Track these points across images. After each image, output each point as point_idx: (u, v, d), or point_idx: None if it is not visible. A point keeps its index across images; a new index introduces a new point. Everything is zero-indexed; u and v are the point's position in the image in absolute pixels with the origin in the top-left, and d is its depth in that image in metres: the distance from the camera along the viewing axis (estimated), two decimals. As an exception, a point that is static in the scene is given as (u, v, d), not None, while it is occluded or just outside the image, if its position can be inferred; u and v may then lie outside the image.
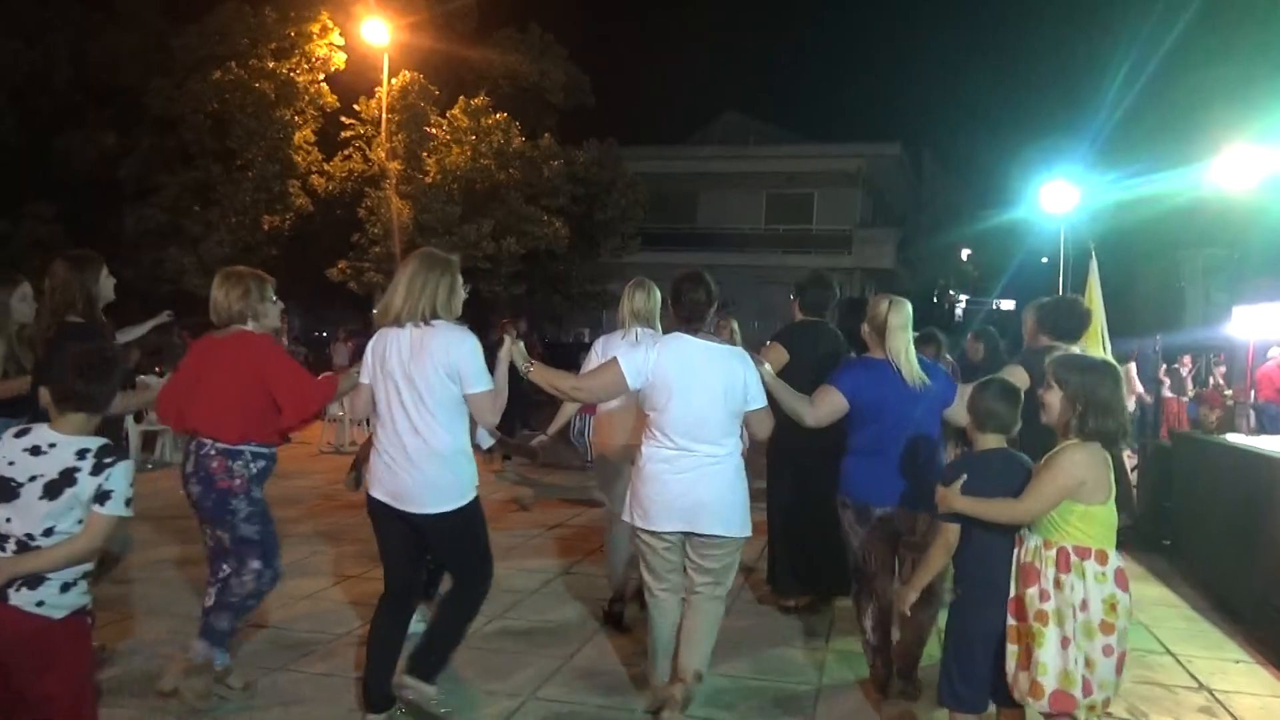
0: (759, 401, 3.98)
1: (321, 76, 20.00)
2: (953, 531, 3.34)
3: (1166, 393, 15.23)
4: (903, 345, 4.26)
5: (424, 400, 3.69)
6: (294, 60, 19.62)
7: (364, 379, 3.90)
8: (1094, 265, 8.42)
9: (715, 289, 4.17)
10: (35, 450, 2.77)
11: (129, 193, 19.57)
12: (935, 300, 37.19)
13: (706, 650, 3.96)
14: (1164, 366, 13.27)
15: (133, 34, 20.22)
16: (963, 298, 41.58)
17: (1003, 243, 34.84)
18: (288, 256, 19.29)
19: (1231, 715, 4.44)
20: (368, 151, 19.98)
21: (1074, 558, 3.08)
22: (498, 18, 22.79)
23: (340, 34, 19.81)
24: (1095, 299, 8.26)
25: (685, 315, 4.10)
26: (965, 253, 42.50)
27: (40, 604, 2.71)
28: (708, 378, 3.89)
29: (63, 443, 2.78)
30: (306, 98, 19.76)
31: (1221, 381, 16.19)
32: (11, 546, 2.71)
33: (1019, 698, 3.20)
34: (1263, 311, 11.49)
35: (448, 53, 21.52)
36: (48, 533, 2.72)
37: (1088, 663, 3.05)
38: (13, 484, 2.74)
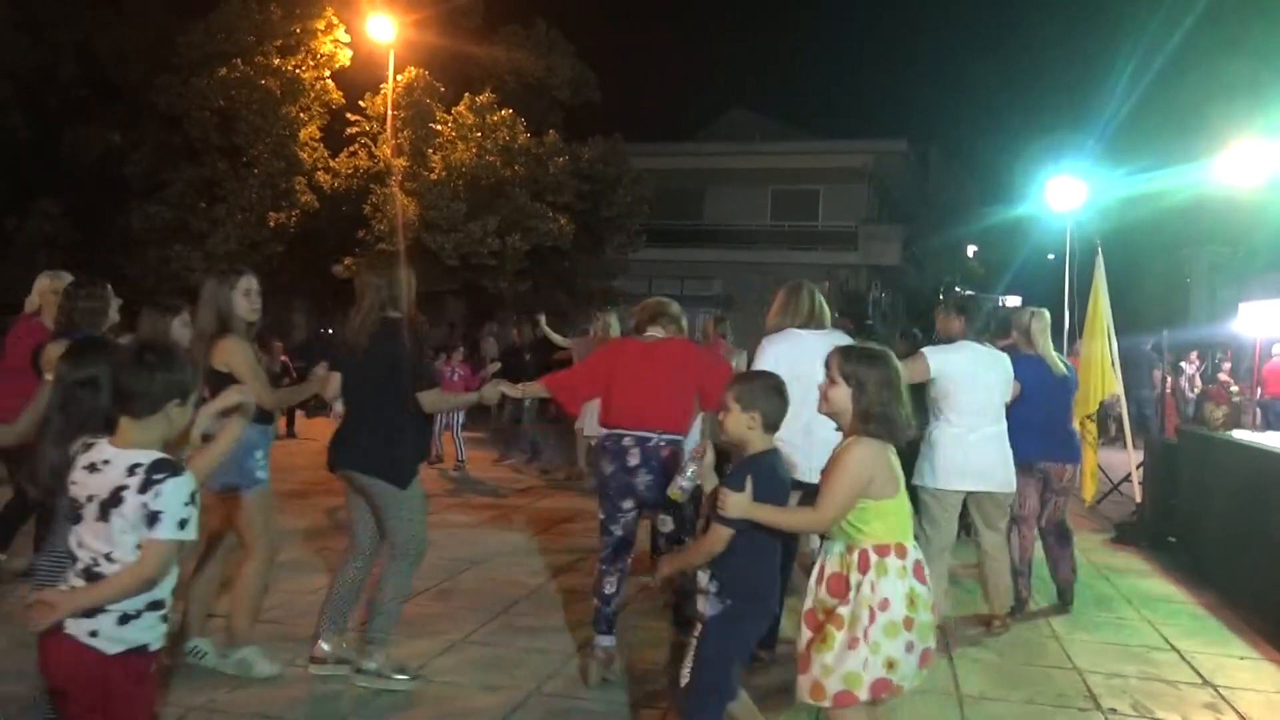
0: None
1: (327, 73, 20.01)
2: (723, 537, 3.06)
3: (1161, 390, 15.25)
4: (1048, 344, 5.91)
5: None
6: (299, 57, 19.64)
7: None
8: (1100, 262, 8.41)
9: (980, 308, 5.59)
10: (92, 467, 2.49)
11: (135, 189, 19.60)
12: (941, 297, 37.09)
13: (1001, 584, 5.48)
14: (1161, 365, 13.25)
15: (139, 30, 20.25)
16: (969, 294, 41.48)
17: (1008, 239, 34.78)
18: (293, 253, 19.32)
19: (1236, 711, 4.44)
20: (373, 148, 20.00)
21: (874, 556, 2.95)
22: (503, 14, 22.80)
23: (345, 31, 19.83)
24: (1101, 296, 8.25)
25: (977, 328, 5.40)
26: (971, 249, 42.40)
27: (94, 634, 2.42)
28: (989, 375, 5.27)
29: (117, 458, 2.47)
30: (312, 94, 19.78)
31: (1228, 378, 16.18)
32: (78, 572, 2.47)
33: (797, 700, 3.05)
34: (1269, 308, 11.48)
35: (453, 49, 21.51)
36: (109, 558, 2.44)
37: (889, 663, 2.88)
38: (77, 504, 2.49)
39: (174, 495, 2.42)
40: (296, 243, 19.45)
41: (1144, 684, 4.73)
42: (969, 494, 5.30)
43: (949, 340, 5.40)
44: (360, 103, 20.10)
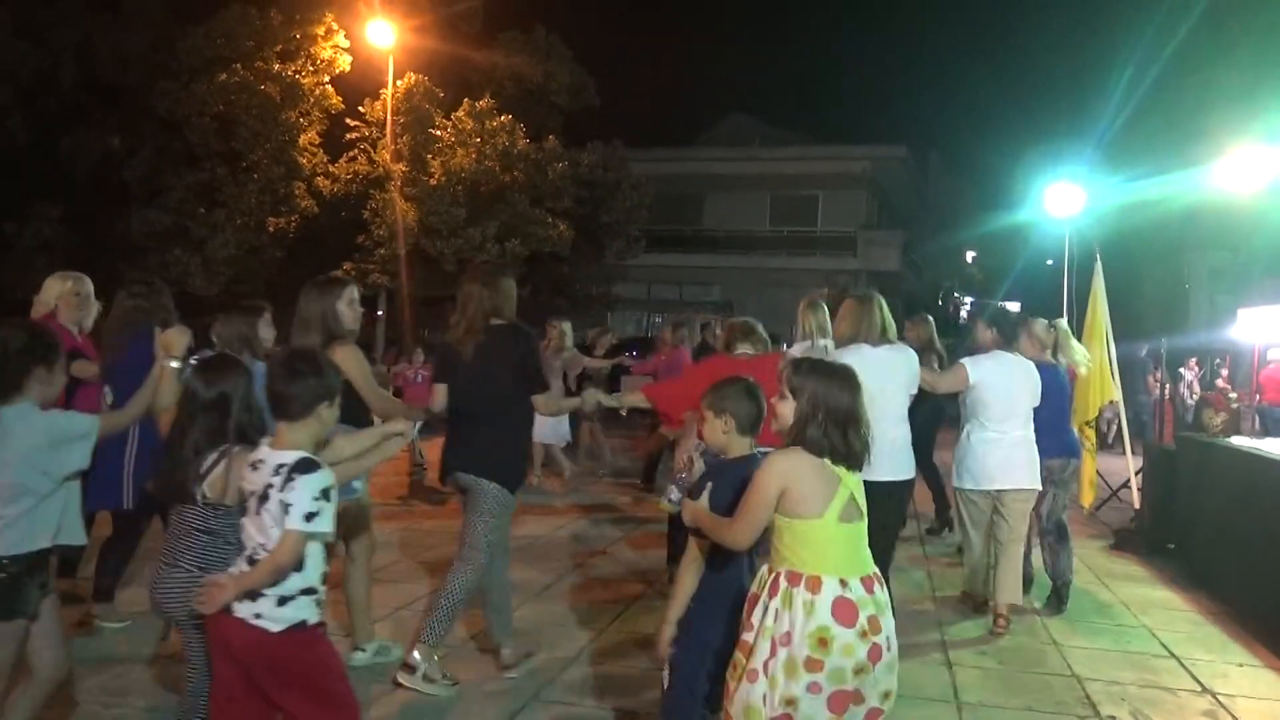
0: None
1: (327, 79, 20.01)
2: (698, 546, 3.10)
3: (1157, 393, 15.25)
4: (1079, 353, 6.62)
5: None
6: (299, 62, 19.64)
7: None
8: (1099, 268, 8.40)
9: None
10: (254, 466, 2.82)
11: (134, 194, 19.59)
12: (940, 302, 37.17)
13: (1010, 578, 5.60)
14: (1154, 371, 13.24)
15: (139, 35, 20.26)
16: (968, 300, 41.54)
17: (1007, 245, 34.84)
18: (292, 258, 19.30)
19: (1235, 719, 4.44)
20: (372, 153, 20.00)
21: (784, 583, 2.73)
22: (503, 20, 22.82)
23: (345, 36, 19.82)
24: (1100, 302, 8.25)
25: (1007, 336, 5.81)
26: (970, 255, 42.49)
27: (258, 616, 2.73)
28: (1020, 383, 5.70)
29: (270, 458, 2.79)
30: (312, 100, 19.77)
31: (1226, 384, 16.18)
32: (244, 559, 2.79)
33: None
34: (1267, 314, 11.48)
35: (453, 55, 21.53)
36: (264, 548, 2.74)
37: (788, 700, 2.64)
38: (245, 499, 2.83)
39: (305, 490, 2.69)
40: (296, 248, 19.44)
41: (1143, 691, 4.72)
42: (999, 492, 5.69)
43: (983, 350, 5.84)
44: (360, 108, 20.11)
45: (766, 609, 2.74)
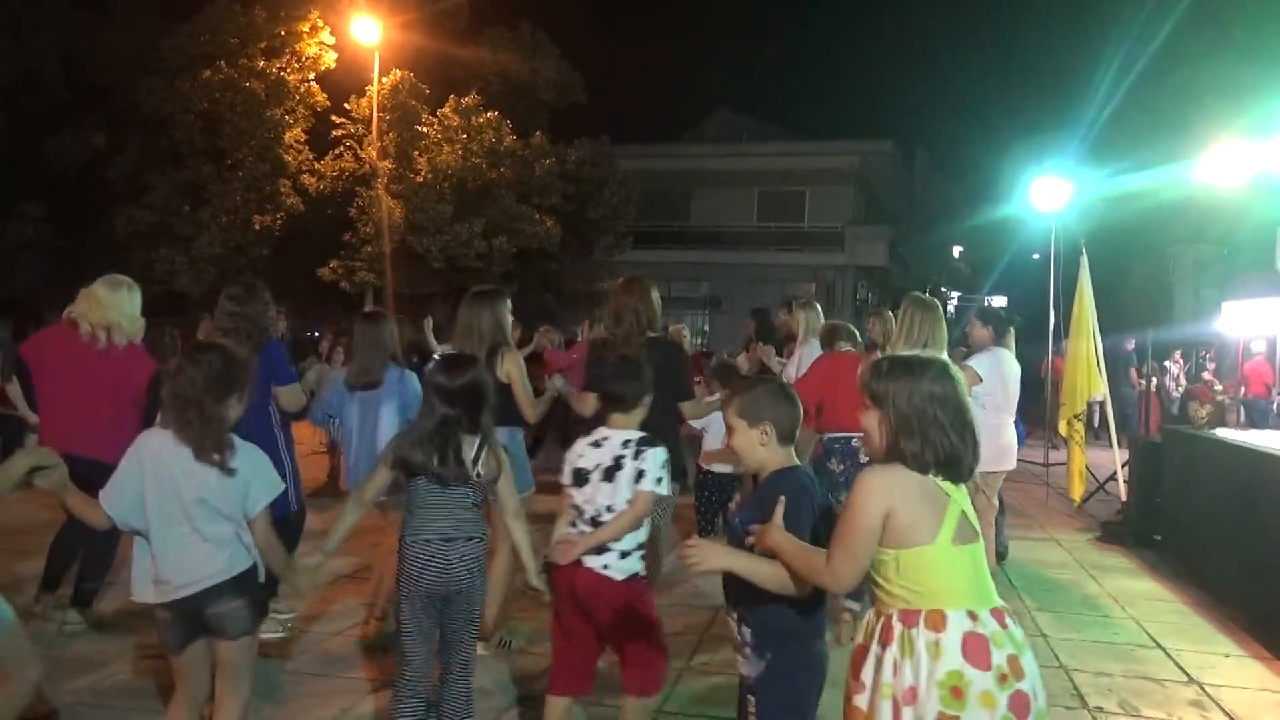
0: None
1: (312, 75, 19.92)
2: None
3: (1141, 386, 15.33)
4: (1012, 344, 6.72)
5: None
6: (284, 59, 19.54)
7: None
8: (1085, 261, 8.45)
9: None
10: (596, 444, 3.44)
11: (119, 192, 19.49)
12: (927, 296, 37.11)
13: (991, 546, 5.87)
14: (1138, 365, 13.31)
15: (124, 33, 20.14)
16: (955, 294, 41.62)
17: (994, 239, 34.84)
18: (279, 256, 19.23)
19: (1222, 709, 4.46)
20: (359, 150, 19.93)
21: (898, 626, 2.28)
22: (489, 16, 22.73)
23: (330, 33, 19.73)
24: (1086, 295, 8.29)
25: (999, 333, 6.37)
26: (957, 250, 42.56)
27: (605, 567, 3.33)
28: (1013, 375, 6.33)
29: (613, 436, 3.42)
30: (297, 97, 19.68)
31: (1211, 377, 16.27)
32: (585, 523, 3.37)
33: None
34: (1252, 307, 11.55)
35: (439, 51, 21.46)
36: (609, 509, 3.33)
37: None
38: (584, 473, 3.40)
39: (654, 460, 3.36)
40: (282, 246, 19.36)
41: (1130, 682, 4.75)
42: (994, 473, 6.27)
43: (980, 347, 6.43)
44: (345, 105, 20.02)
45: (881, 662, 2.28)
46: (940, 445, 2.32)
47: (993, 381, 6.19)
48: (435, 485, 3.36)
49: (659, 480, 3.35)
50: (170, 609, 3.00)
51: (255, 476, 3.04)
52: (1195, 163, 10.40)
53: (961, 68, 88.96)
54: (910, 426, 2.33)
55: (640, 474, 3.33)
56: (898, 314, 5.78)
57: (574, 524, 3.41)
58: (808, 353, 6.97)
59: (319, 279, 19.22)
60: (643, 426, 4.44)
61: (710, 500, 6.69)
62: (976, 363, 6.25)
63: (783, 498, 2.53)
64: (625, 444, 3.38)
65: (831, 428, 5.49)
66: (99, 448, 4.56)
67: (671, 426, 4.72)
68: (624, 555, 3.34)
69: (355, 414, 4.88)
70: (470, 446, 3.39)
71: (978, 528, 2.37)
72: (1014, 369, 6.41)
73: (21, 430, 9.27)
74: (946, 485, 2.33)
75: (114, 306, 5.01)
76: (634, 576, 3.36)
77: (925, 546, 2.28)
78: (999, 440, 6.16)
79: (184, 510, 2.95)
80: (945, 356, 4.83)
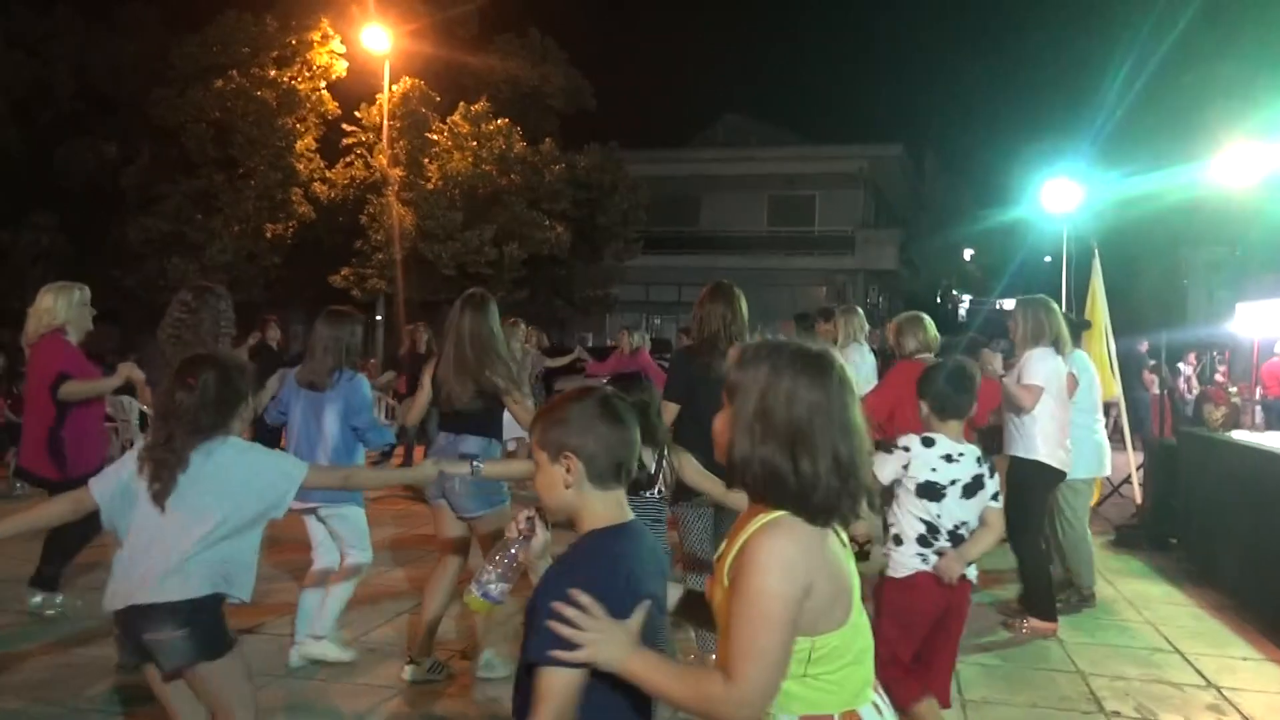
0: None
1: (323, 84, 20.02)
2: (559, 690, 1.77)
3: (1154, 390, 15.24)
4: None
5: None
6: (295, 68, 19.65)
7: None
8: (1096, 264, 8.40)
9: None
10: (948, 458, 3.43)
11: (131, 202, 19.60)
12: (939, 301, 37.14)
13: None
14: (1151, 367, 13.23)
15: (134, 44, 20.27)
16: (966, 298, 41.55)
17: (1005, 242, 34.82)
18: (290, 264, 19.31)
19: (1240, 713, 4.43)
20: (369, 158, 20.00)
21: None
22: (498, 23, 22.86)
23: (341, 41, 19.84)
24: (1098, 298, 8.24)
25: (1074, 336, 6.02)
26: (968, 253, 42.50)
27: (962, 576, 3.43)
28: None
29: (967, 453, 3.44)
30: (308, 105, 19.78)
31: (1225, 379, 16.16)
32: (945, 536, 3.40)
33: None
34: (1266, 308, 11.47)
35: (448, 59, 21.54)
36: (965, 525, 3.41)
37: None
38: (938, 487, 3.41)
39: (998, 478, 3.49)
40: (293, 254, 19.44)
41: (1147, 686, 4.72)
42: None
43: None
44: (356, 113, 20.12)
45: None
46: (835, 479, 1.71)
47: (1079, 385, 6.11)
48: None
49: (994, 495, 3.52)
50: (117, 620, 2.80)
51: (270, 479, 2.85)
52: (1207, 164, 10.38)
53: (971, 70, 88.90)
54: (806, 447, 1.70)
55: (996, 494, 3.50)
56: (1011, 317, 5.72)
57: (926, 540, 3.45)
58: (848, 357, 7.05)
59: (330, 286, 19.29)
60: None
61: None
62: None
63: (574, 592, 1.69)
64: (979, 461, 3.48)
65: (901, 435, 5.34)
66: (32, 461, 4.93)
67: None
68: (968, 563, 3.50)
69: (299, 412, 4.68)
70: (650, 457, 3.60)
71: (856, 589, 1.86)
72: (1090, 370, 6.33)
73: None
74: (839, 537, 1.81)
75: (38, 312, 5.23)
76: (968, 579, 3.53)
77: (841, 629, 1.73)
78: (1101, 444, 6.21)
79: (161, 531, 2.75)
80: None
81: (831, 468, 1.70)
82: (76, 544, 5.23)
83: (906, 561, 3.46)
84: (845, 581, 1.75)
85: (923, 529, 3.43)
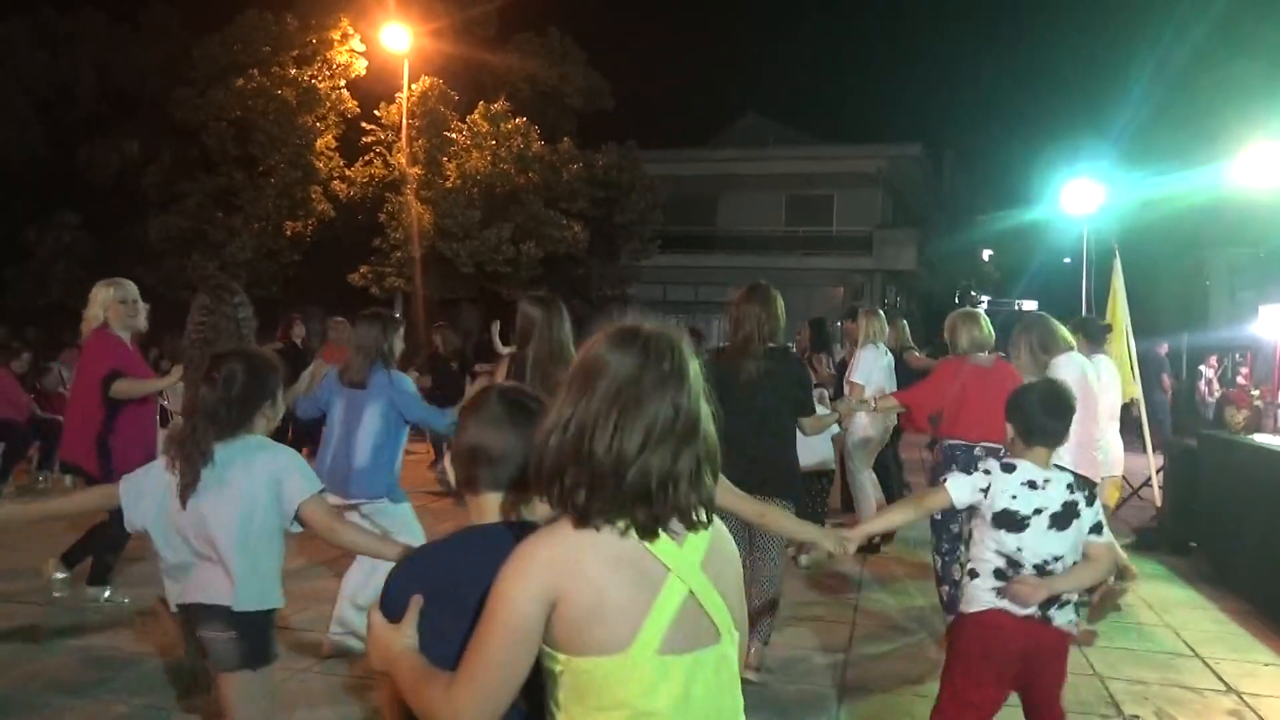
0: None
1: (342, 83, 20.13)
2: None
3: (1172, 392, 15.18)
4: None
5: None
6: (315, 67, 19.76)
7: None
8: (1118, 265, 8.36)
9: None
10: (1031, 485, 3.04)
11: (153, 200, 19.76)
12: (957, 301, 36.99)
13: None
14: (1169, 370, 13.15)
15: (156, 44, 20.44)
16: (984, 298, 41.33)
17: (1024, 243, 34.62)
18: (309, 262, 19.42)
19: (1260, 718, 4.40)
20: (388, 157, 20.09)
21: None
22: (517, 22, 22.91)
23: (360, 41, 19.95)
24: (1119, 299, 8.20)
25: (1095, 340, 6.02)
26: (987, 253, 42.25)
27: (1070, 622, 3.09)
28: None
29: (1055, 481, 3.05)
30: (328, 104, 19.89)
31: (1246, 381, 16.04)
32: (1030, 568, 3.01)
33: None
34: (1291, 310, 11.36)
35: (467, 58, 21.61)
36: (1057, 559, 3.01)
37: None
38: (1019, 516, 3.02)
39: (1099, 508, 3.09)
40: (313, 252, 19.56)
41: (1166, 690, 4.69)
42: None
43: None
44: (375, 112, 20.20)
45: None
46: (640, 478, 1.48)
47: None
48: None
49: (1098, 527, 3.10)
50: (180, 611, 2.88)
51: (285, 475, 2.77)
52: (1229, 165, 10.30)
53: (991, 70, 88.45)
54: (584, 443, 1.49)
55: (1099, 527, 3.07)
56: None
57: (1004, 575, 3.03)
58: (865, 356, 7.25)
59: (349, 284, 19.38)
60: (772, 444, 4.50)
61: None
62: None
63: (417, 597, 1.63)
64: (1070, 489, 3.04)
65: (954, 434, 5.21)
66: (75, 454, 4.92)
67: (788, 444, 4.60)
68: (1076, 608, 3.17)
69: (340, 409, 4.80)
70: None
71: (724, 622, 1.56)
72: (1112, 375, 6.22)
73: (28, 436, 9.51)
74: (664, 549, 1.51)
75: (91, 304, 5.28)
76: (1070, 625, 3.13)
77: (611, 656, 1.46)
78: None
79: (183, 538, 2.78)
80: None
81: (587, 466, 1.48)
82: (123, 538, 5.27)
83: (980, 595, 3.08)
84: (631, 602, 1.46)
85: (1001, 563, 3.04)
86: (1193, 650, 5.32)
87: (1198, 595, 6.55)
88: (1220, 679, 4.88)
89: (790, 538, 4.72)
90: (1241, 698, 4.63)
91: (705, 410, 1.57)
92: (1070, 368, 5.31)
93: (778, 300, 4.58)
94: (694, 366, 1.56)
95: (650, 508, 1.48)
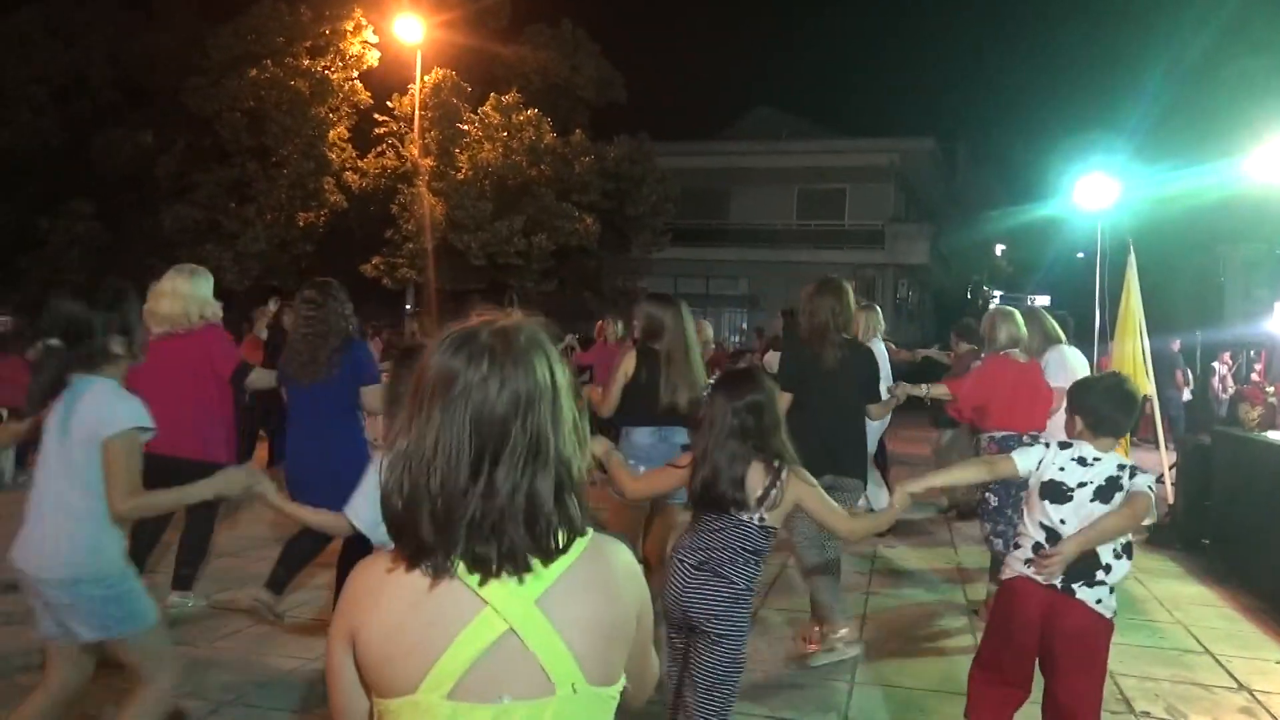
0: None
1: (355, 74, 20.17)
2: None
3: (1187, 394, 15.10)
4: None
5: None
6: (328, 58, 19.80)
7: None
8: (1132, 260, 8.31)
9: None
10: (1081, 461, 3.19)
11: (166, 190, 19.84)
12: (969, 296, 36.88)
13: None
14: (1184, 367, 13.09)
15: (169, 34, 20.49)
16: (997, 293, 41.17)
17: (1038, 238, 34.45)
18: (322, 253, 19.48)
19: (1272, 716, 4.38)
20: (401, 148, 20.13)
21: None
22: (530, 14, 22.89)
23: (374, 32, 19.98)
24: (1133, 295, 8.16)
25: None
26: (999, 248, 42.07)
27: (1099, 602, 3.11)
28: None
29: (1106, 459, 3.18)
30: (341, 95, 19.94)
31: (1261, 378, 15.96)
32: (1047, 539, 3.16)
33: None
34: (1306, 307, 11.29)
35: (480, 49, 21.61)
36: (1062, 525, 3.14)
37: None
38: (1064, 488, 3.17)
39: (1146, 479, 3.18)
40: (325, 242, 19.62)
41: (1177, 687, 4.68)
42: None
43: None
44: (388, 103, 20.24)
45: None
46: (430, 498, 1.32)
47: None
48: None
49: (1150, 487, 3.19)
50: None
51: None
52: (1245, 160, 10.22)
53: (1005, 64, 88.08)
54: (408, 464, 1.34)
55: (1134, 476, 3.17)
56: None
57: (1042, 547, 3.14)
58: (876, 351, 7.22)
59: (361, 275, 19.44)
60: (848, 428, 4.84)
61: None
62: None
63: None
64: (1120, 468, 3.17)
65: (1006, 426, 5.45)
66: (184, 446, 4.63)
67: (862, 428, 4.92)
68: (1112, 591, 3.16)
69: None
70: (763, 474, 3.04)
71: (561, 670, 1.31)
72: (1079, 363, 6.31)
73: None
74: (485, 582, 1.32)
75: (177, 295, 4.98)
76: (1113, 616, 3.18)
77: (400, 699, 1.31)
78: None
79: None
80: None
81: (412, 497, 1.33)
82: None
83: (1013, 565, 3.25)
84: (422, 641, 1.30)
85: (1042, 535, 3.16)
86: (1204, 647, 5.30)
87: (1209, 592, 6.53)
88: (1231, 676, 4.86)
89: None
90: (1253, 695, 4.61)
91: (564, 422, 1.36)
92: (1065, 363, 5.90)
93: (849, 293, 4.90)
94: (542, 371, 1.35)
95: (473, 541, 1.30)
